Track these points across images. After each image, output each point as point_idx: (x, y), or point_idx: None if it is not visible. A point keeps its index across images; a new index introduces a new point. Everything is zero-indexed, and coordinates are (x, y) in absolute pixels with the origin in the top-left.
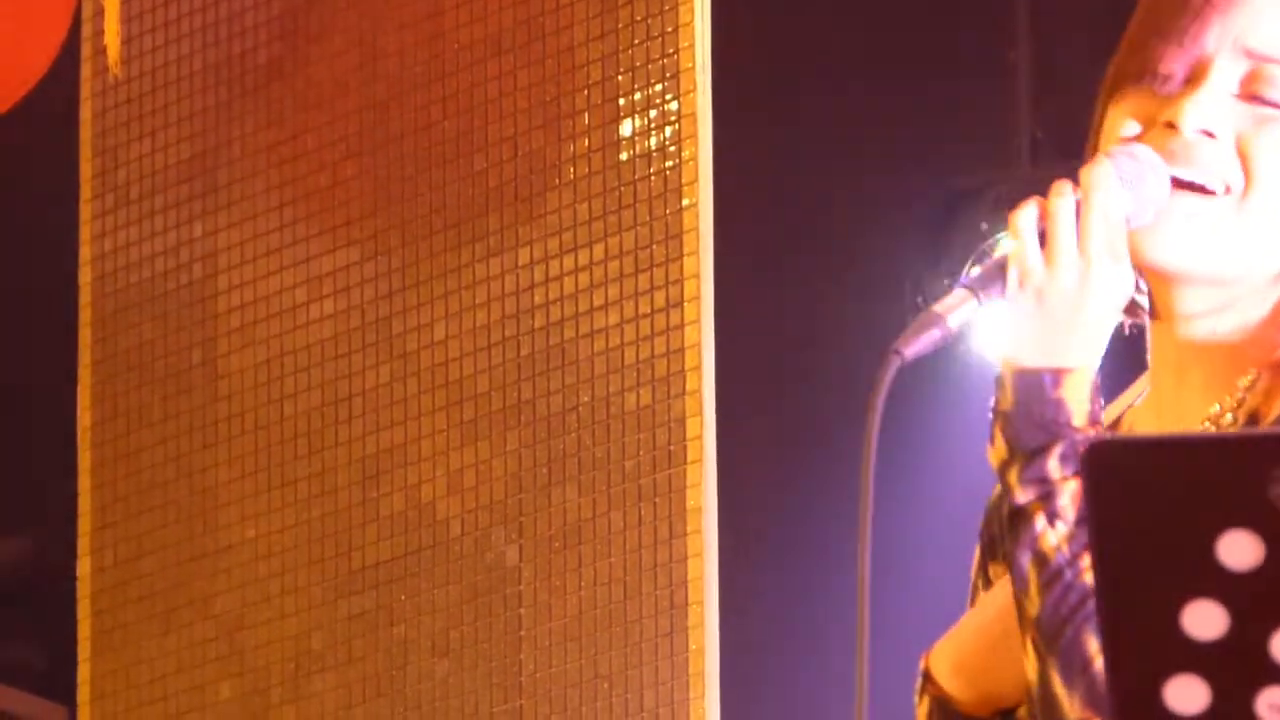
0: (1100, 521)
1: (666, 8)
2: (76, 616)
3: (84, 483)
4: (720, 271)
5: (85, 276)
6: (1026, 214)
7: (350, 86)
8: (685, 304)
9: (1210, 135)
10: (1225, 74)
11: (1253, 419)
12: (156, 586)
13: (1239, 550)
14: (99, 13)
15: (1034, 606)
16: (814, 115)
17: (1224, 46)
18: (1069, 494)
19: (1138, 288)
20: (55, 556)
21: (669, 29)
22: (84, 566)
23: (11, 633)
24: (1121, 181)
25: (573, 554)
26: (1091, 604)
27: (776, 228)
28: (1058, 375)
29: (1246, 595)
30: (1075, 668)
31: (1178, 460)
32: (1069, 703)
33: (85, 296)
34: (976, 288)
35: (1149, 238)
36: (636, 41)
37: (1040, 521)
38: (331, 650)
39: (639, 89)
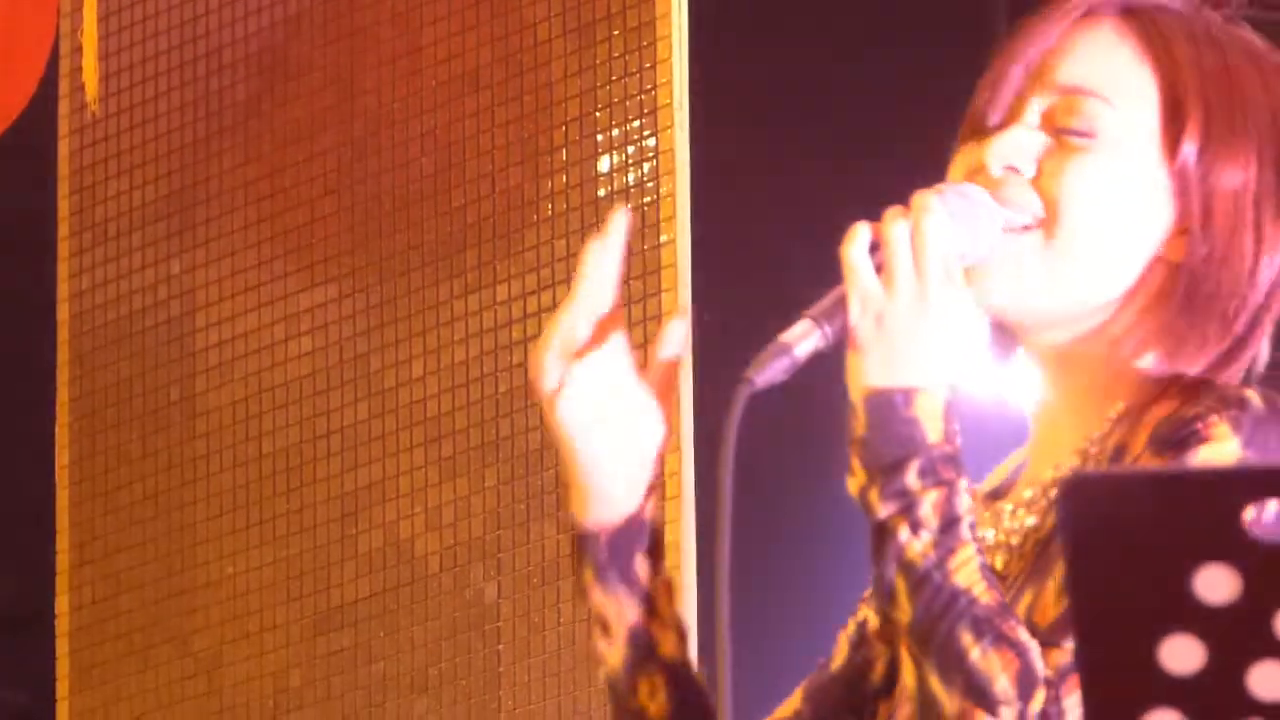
0: (1077, 556)
1: (644, 44)
2: (55, 654)
3: (62, 520)
4: (697, 306)
5: (62, 314)
6: (858, 241)
7: (328, 123)
8: None
9: (1015, 170)
10: (1035, 111)
11: (1119, 451)
12: (135, 624)
13: (1216, 584)
14: (76, 49)
15: (905, 614)
16: (794, 151)
17: (1036, 85)
18: (930, 503)
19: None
20: (33, 594)
21: (647, 65)
22: (62, 604)
23: None
24: (951, 217)
25: (551, 590)
26: (963, 602)
27: (756, 264)
28: (909, 394)
29: (1223, 629)
30: (952, 663)
31: (1154, 494)
32: (948, 699)
33: (63, 334)
34: (820, 318)
35: (977, 287)
36: (614, 78)
37: (904, 532)
38: (310, 687)
39: (617, 125)
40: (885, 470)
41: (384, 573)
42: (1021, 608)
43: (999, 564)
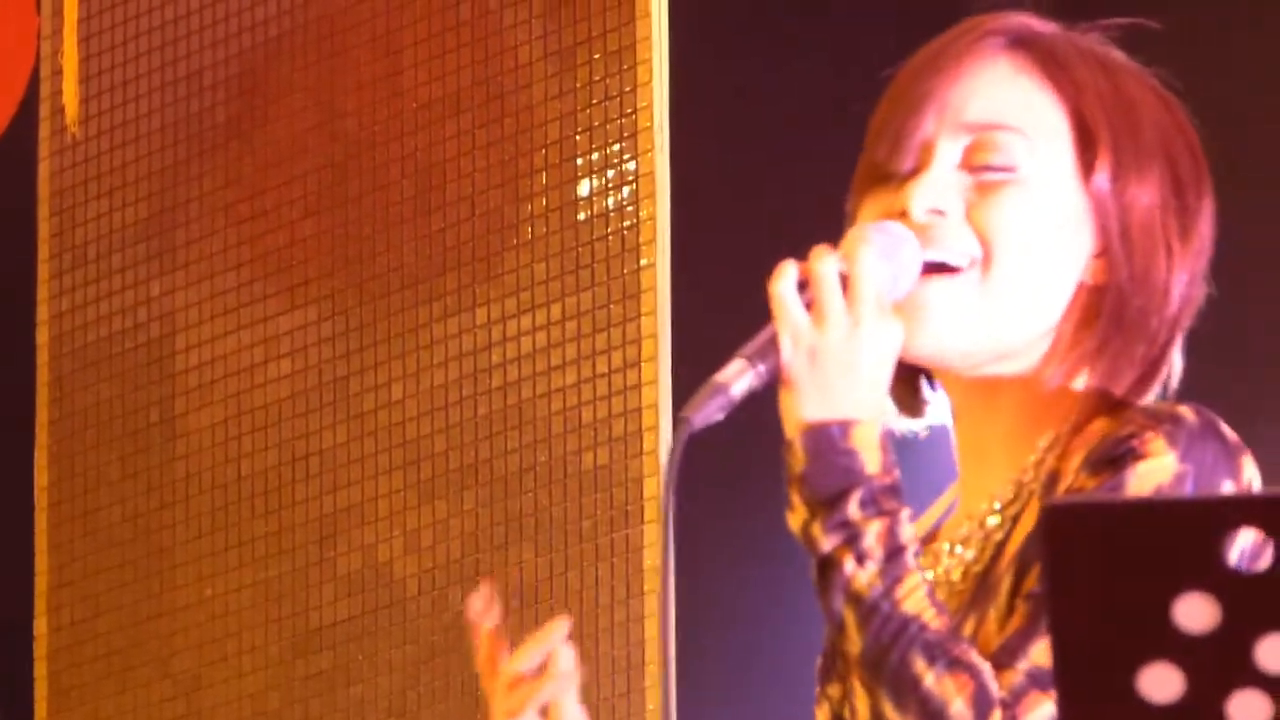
0: (1056, 584)
1: (625, 67)
2: (34, 676)
3: (41, 542)
4: (677, 332)
5: (42, 336)
6: (785, 279)
7: (308, 146)
8: (643, 364)
9: (940, 213)
10: (948, 152)
11: (1052, 479)
12: (114, 646)
13: (1195, 613)
14: (57, 72)
15: (855, 645)
16: (776, 175)
17: (943, 127)
18: (874, 534)
19: (920, 392)
20: (12, 616)
21: (627, 89)
22: (41, 626)
23: None
24: (878, 253)
25: (530, 614)
26: (913, 628)
27: (736, 289)
28: (845, 426)
29: (1203, 658)
30: (905, 689)
31: (1134, 522)
32: None
33: (42, 356)
34: (753, 356)
35: (908, 332)
36: (594, 101)
37: (849, 564)
38: (288, 710)
39: (597, 149)
40: (826, 503)
41: (363, 595)
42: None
43: (940, 596)
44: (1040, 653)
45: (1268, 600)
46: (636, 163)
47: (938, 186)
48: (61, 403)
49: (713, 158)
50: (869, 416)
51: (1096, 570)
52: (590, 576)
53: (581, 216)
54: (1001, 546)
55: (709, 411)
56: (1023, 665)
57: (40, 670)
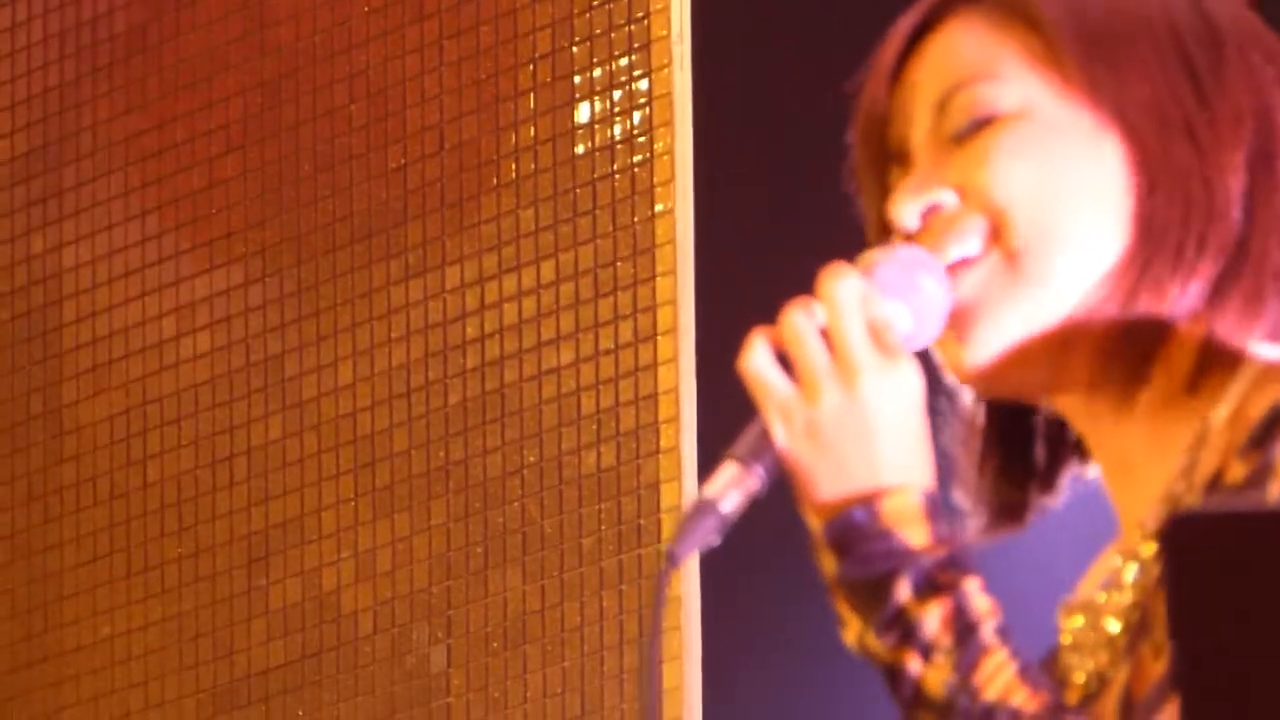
0: (1181, 608)
1: None
2: None
3: None
4: (703, 296)
5: None
6: (755, 354)
7: (231, 62)
8: (659, 338)
9: (936, 209)
10: (924, 143)
11: (1214, 481)
12: None
13: None
14: None
15: None
16: (820, 93)
17: (913, 123)
18: (935, 618)
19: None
20: None
21: None
22: None
23: None
24: (885, 291)
25: (515, 656)
26: (1000, 716)
27: (773, 240)
28: (871, 503)
29: None
30: None
31: (1271, 533)
32: None
33: None
34: (745, 456)
35: (955, 355)
36: (596, 3)
37: (913, 664)
38: None
39: (599, 63)
40: (872, 601)
41: (303, 634)
42: (1118, 686)
43: (1103, 662)
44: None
45: None
46: (649, 81)
47: (920, 182)
48: None
49: (745, 76)
50: (899, 483)
51: (1227, 589)
52: (593, 609)
53: (580, 150)
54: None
55: (698, 539)
56: (1165, 716)
57: None
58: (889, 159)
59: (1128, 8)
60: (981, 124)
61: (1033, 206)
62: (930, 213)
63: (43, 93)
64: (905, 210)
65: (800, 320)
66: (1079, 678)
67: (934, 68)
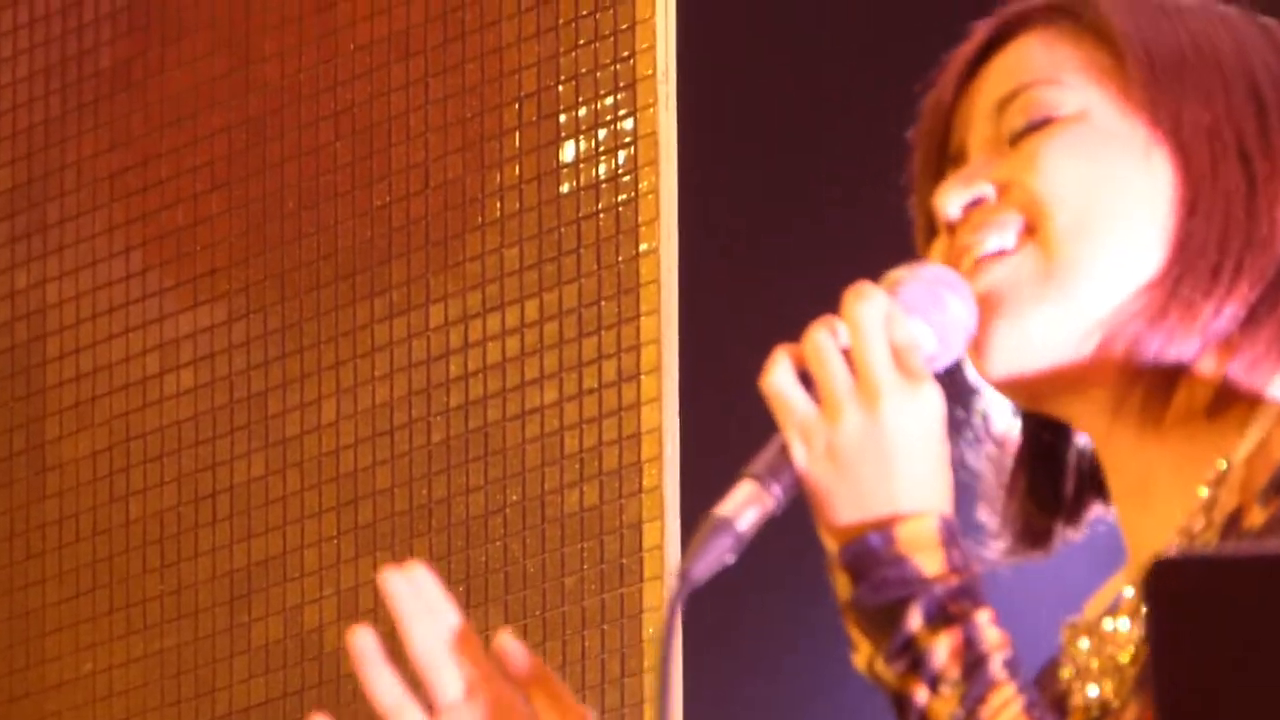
0: (1162, 652)
1: None
2: None
3: None
4: (687, 336)
5: None
6: (778, 370)
7: (216, 99)
8: (642, 377)
9: (979, 203)
10: (980, 143)
11: (1233, 521)
12: None
13: None
14: None
15: None
16: (805, 134)
17: (973, 127)
18: (944, 649)
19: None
20: None
21: (623, 26)
22: None
23: None
24: (909, 311)
25: None
26: None
27: (757, 279)
28: (887, 529)
29: None
30: None
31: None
32: None
33: None
34: (762, 475)
35: (985, 354)
36: (582, 42)
37: (920, 694)
38: None
39: (584, 102)
40: (883, 628)
41: (284, 672)
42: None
43: (1108, 691)
44: None
45: None
46: (634, 120)
47: (966, 176)
48: None
49: (730, 115)
50: (915, 509)
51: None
52: (575, 648)
53: (564, 189)
54: None
55: (714, 558)
56: None
57: None
58: (946, 160)
59: (1206, 42)
60: (1038, 125)
61: (1074, 206)
62: (973, 205)
63: (27, 128)
64: (949, 200)
65: (823, 339)
66: (1079, 700)
67: (1001, 73)
